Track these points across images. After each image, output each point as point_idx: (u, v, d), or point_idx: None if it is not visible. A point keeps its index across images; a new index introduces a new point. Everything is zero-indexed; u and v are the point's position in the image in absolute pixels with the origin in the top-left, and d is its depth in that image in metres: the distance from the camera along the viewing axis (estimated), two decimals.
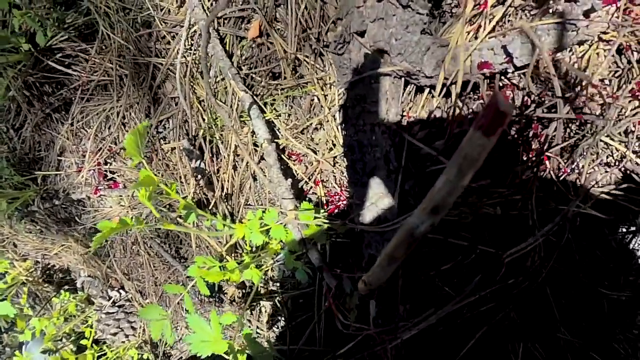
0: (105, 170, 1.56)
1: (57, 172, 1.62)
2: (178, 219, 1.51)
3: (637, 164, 0.96)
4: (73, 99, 1.49)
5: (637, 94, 0.74)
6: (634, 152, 0.96)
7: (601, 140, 0.86)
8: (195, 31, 1.23)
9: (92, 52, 1.41)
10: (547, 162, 0.84)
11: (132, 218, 1.47)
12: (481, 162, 0.44)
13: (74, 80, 1.48)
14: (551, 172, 0.87)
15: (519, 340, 1.07)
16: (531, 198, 0.80)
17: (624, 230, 1.01)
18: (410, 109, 1.01)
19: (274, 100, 1.22)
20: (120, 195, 1.60)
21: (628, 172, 1.01)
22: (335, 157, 1.18)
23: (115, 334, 1.85)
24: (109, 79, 1.43)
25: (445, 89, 0.89)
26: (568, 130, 0.86)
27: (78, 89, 1.48)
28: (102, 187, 1.58)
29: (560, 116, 0.75)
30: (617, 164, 0.99)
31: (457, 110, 0.84)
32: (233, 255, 1.45)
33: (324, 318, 1.28)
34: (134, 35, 1.32)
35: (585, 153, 0.86)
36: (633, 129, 0.92)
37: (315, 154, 1.21)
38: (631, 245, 1.04)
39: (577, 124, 0.87)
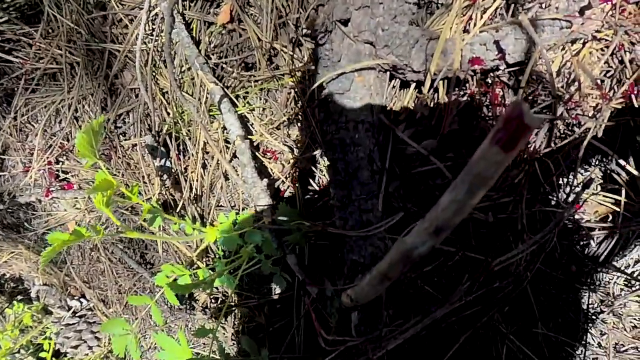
0: (57, 170, 1.40)
1: (0, 173, 1.44)
2: (142, 222, 1.38)
3: (618, 164, 0.95)
4: (15, 89, 1.32)
5: (631, 94, 0.72)
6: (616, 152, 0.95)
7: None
8: (156, 14, 1.10)
9: (36, 36, 1.24)
10: (535, 163, 0.81)
11: (88, 225, 1.32)
12: (495, 180, 0.38)
13: (15, 69, 1.30)
14: (539, 174, 0.84)
15: (503, 342, 1.06)
16: (521, 201, 0.76)
17: (604, 230, 1.01)
18: (394, 105, 0.94)
19: (247, 92, 1.12)
20: (76, 197, 1.44)
21: (609, 172, 1.00)
22: (315, 154, 1.11)
23: (76, 347, 1.70)
24: (57, 67, 1.27)
25: (433, 85, 0.83)
26: (557, 131, 0.83)
27: (21, 77, 1.30)
28: (54, 189, 1.41)
29: (556, 117, 0.71)
30: (599, 163, 0.99)
31: (447, 108, 0.78)
32: (204, 259, 1.35)
33: (304, 324, 1.21)
34: (85, 18, 1.17)
35: (573, 155, 0.84)
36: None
37: (293, 151, 1.12)
38: (610, 245, 1.04)
39: (565, 124, 0.84)
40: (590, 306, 1.20)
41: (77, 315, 1.72)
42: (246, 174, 1.08)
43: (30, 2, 1.22)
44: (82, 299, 1.75)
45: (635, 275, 1.13)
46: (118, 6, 1.13)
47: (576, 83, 0.74)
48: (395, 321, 1.04)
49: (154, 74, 1.15)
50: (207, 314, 1.39)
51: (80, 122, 1.32)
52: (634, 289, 1.12)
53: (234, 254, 1.18)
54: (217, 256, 1.30)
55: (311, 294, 1.03)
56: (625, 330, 1.22)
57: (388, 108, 0.91)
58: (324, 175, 1.11)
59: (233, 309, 1.34)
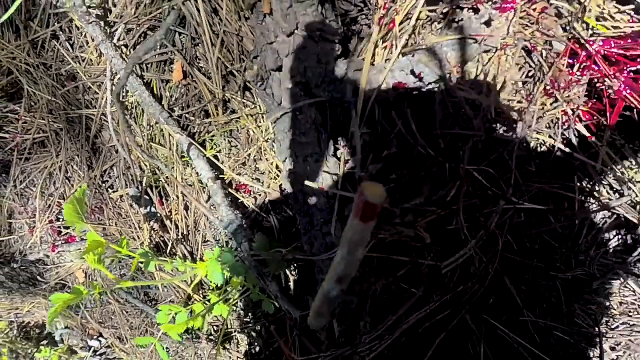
0: (59, 227, 1.52)
1: (9, 236, 1.57)
2: (139, 263, 1.48)
3: (566, 152, 0.99)
4: (11, 160, 1.45)
5: (550, 91, 0.76)
6: (562, 139, 0.99)
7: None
8: (120, 79, 1.20)
9: (21, 111, 1.36)
10: (475, 173, 0.86)
11: (93, 274, 1.43)
12: (367, 240, 0.44)
13: (8, 142, 1.43)
14: (482, 180, 0.89)
15: (478, 341, 1.10)
16: (459, 214, 0.81)
17: (565, 217, 1.05)
18: (340, 133, 1.01)
19: (213, 136, 1.20)
20: (79, 248, 1.56)
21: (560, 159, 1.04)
22: (281, 184, 1.18)
23: None
24: (44, 135, 1.39)
25: (368, 111, 0.90)
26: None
27: (14, 149, 1.43)
28: (59, 243, 1.54)
29: (475, 133, 0.77)
30: (549, 153, 1.03)
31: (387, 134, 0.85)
32: (200, 291, 1.44)
33: (298, 341, 1.29)
34: (60, 90, 1.28)
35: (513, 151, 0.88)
36: (557, 118, 0.95)
37: (262, 184, 1.20)
38: (575, 229, 1.08)
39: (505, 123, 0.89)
40: (571, 289, 1.23)
41: (97, 353, 1.85)
42: (222, 213, 1.17)
43: (12, 82, 1.35)
44: (100, 338, 1.87)
45: (609, 255, 1.16)
46: (85, 76, 1.23)
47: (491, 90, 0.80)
48: (376, 327, 1.11)
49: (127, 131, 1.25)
50: (211, 342, 1.48)
51: (72, 181, 1.44)
52: (613, 269, 1.15)
53: (225, 284, 1.27)
54: (210, 288, 1.39)
55: (295, 317, 1.11)
56: (612, 307, 1.25)
57: (334, 137, 0.98)
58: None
59: (233, 334, 1.42)
